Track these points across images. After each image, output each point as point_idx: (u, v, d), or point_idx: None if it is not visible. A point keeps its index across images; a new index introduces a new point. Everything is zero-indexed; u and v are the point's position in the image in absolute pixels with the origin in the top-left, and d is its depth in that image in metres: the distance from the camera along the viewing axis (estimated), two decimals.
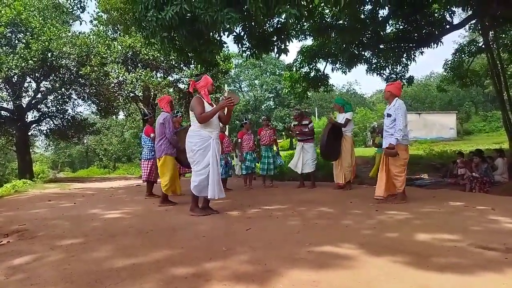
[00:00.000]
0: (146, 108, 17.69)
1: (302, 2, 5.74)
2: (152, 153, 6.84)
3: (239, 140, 8.36)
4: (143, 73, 15.96)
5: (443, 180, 10.37)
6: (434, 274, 2.30)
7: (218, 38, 7.86)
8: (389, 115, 5.22)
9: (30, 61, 16.06)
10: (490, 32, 12.33)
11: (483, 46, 12.87)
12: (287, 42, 7.91)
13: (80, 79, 18.46)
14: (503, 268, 2.36)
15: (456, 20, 11.90)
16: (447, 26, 11.10)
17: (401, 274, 2.33)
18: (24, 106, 20.13)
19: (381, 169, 5.36)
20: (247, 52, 8.42)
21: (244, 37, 8.12)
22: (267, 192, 7.38)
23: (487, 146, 17.56)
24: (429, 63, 62.16)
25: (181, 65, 17.94)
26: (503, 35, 13.13)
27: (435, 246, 2.92)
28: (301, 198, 6.12)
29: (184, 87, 18.78)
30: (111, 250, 3.14)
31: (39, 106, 21.20)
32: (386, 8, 10.11)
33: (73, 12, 19.25)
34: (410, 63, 12.22)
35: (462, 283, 2.18)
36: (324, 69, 13.10)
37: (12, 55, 16.17)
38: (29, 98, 20.47)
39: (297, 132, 7.86)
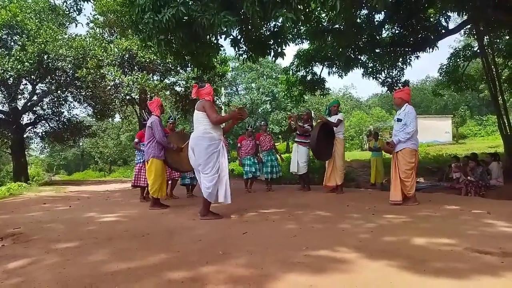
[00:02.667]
0: (144, 111, 17.67)
1: (299, 6, 5.77)
2: (139, 157, 7.16)
3: (238, 144, 8.36)
4: (140, 75, 15.93)
5: (439, 184, 10.43)
6: (430, 278, 2.31)
7: (215, 41, 7.88)
8: (399, 120, 5.42)
9: (26, 63, 15.99)
10: (485, 37, 12.44)
11: (478, 50, 12.97)
12: (283, 45, 7.94)
13: (76, 82, 18.38)
14: (499, 272, 2.36)
15: (451, 25, 12.04)
16: (443, 31, 11.19)
17: (398, 278, 2.33)
18: (20, 109, 20.02)
19: (394, 173, 5.47)
20: (243, 56, 8.44)
21: (241, 41, 8.13)
22: (264, 196, 7.38)
23: (482, 150, 17.66)
24: (424, 67, 62.49)
25: (178, 68, 17.92)
26: (498, 40, 13.24)
27: (432, 250, 2.92)
28: (297, 202, 6.11)
29: (181, 89, 18.76)
30: (106, 254, 3.12)
31: (34, 109, 21.09)
32: (382, 12, 10.19)
33: (70, 15, 19.21)
34: (406, 67, 12.35)
35: (458, 287, 2.18)
36: (320, 72, 13.20)
37: (7, 57, 16.09)
38: (25, 100, 20.39)
39: (295, 130, 7.83)
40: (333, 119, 7.08)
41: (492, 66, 12.34)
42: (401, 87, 12.50)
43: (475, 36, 12.92)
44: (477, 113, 45.00)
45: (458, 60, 13.92)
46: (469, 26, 12.36)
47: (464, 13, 9.78)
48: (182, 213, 5.27)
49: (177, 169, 6.47)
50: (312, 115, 8.49)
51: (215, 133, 4.59)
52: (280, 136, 43.03)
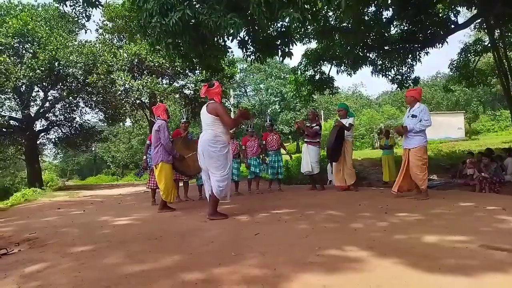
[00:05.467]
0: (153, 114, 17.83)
1: (305, 6, 5.76)
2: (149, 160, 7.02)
3: (244, 146, 8.36)
4: (149, 80, 16.08)
5: (452, 181, 10.30)
6: (445, 276, 2.28)
7: (222, 43, 7.90)
8: (414, 116, 5.66)
9: (38, 71, 16.27)
10: (496, 31, 12.26)
11: (489, 45, 12.78)
12: (290, 45, 7.94)
13: (87, 87, 18.66)
14: None
15: (461, 20, 11.86)
16: (452, 26, 11.06)
17: (412, 277, 2.31)
18: (33, 115, 20.37)
19: (403, 168, 5.78)
20: (251, 57, 8.46)
21: (248, 42, 8.15)
22: (275, 196, 7.37)
23: (496, 145, 17.37)
24: (435, 63, 61.76)
25: (186, 71, 18.05)
26: (509, 34, 13.03)
27: (446, 247, 2.89)
28: (309, 202, 6.09)
29: (190, 92, 18.87)
30: (121, 257, 3.15)
31: (47, 115, 21.44)
32: (390, 9, 10.11)
33: (79, 21, 19.49)
34: (416, 64, 12.22)
35: (474, 285, 2.15)
36: (329, 71, 13.13)
37: (20, 65, 16.39)
38: (37, 107, 20.76)
39: (304, 132, 7.85)
40: (344, 122, 7.22)
41: (504, 60, 12.15)
42: (411, 84, 12.39)
43: (486, 31, 12.74)
44: (490, 108, 44.29)
45: (469, 55, 13.76)
46: (479, 20, 12.20)
47: (474, 8, 9.67)
48: (194, 215, 5.29)
49: (184, 172, 6.50)
50: (317, 113, 8.44)
51: (225, 137, 4.71)
52: (290, 137, 42.94)
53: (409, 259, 2.61)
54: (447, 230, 3.45)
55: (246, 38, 8.08)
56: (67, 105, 21.31)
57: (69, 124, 22.14)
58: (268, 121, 8.79)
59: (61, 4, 7.89)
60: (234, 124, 4.82)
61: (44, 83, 18.94)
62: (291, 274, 2.44)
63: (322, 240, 3.34)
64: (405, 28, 11.63)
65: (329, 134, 7.29)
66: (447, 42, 10.92)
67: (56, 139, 23.18)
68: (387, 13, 11.10)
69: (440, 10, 11.30)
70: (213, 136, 4.63)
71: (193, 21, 6.23)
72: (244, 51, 8.25)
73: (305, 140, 7.97)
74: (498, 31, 12.35)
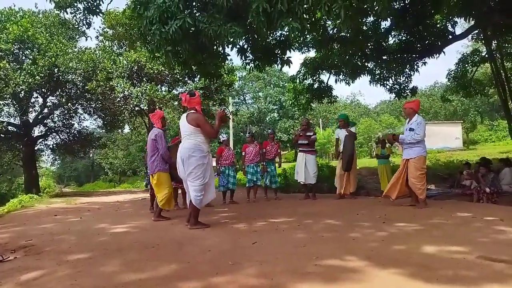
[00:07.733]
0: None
1: (305, 15, 5.81)
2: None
3: (243, 153, 8.34)
4: (148, 87, 16.12)
5: (450, 191, 10.29)
6: (443, 287, 2.27)
7: (222, 51, 7.95)
8: (411, 129, 5.79)
9: (37, 77, 16.30)
10: (493, 42, 12.37)
11: (486, 55, 12.89)
12: (288, 51, 8.04)
13: (86, 94, 18.69)
14: None
15: (458, 31, 11.99)
16: (450, 37, 11.16)
17: None
18: (31, 121, 20.35)
19: (398, 175, 5.92)
20: (250, 65, 8.50)
21: (248, 50, 8.20)
22: (273, 205, 7.35)
23: (494, 155, 17.41)
24: (433, 73, 62.14)
25: (186, 79, 18.12)
26: (506, 44, 13.15)
27: (444, 258, 2.88)
28: (307, 211, 6.08)
29: None
30: (117, 265, 3.13)
31: (45, 121, 21.43)
32: (389, 19, 10.21)
33: (79, 28, 19.57)
34: (413, 74, 12.28)
35: None
36: (327, 80, 13.21)
37: (19, 71, 16.42)
38: (36, 113, 20.73)
39: (300, 141, 7.89)
40: (346, 132, 7.52)
41: (501, 71, 12.24)
42: (409, 93, 12.46)
43: (483, 41, 12.86)
44: (488, 118, 44.51)
45: (467, 65, 13.86)
46: (476, 31, 12.31)
47: (471, 18, 9.76)
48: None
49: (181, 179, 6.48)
50: (310, 122, 8.54)
51: (205, 146, 4.73)
52: (288, 145, 42.98)
53: (407, 269, 2.61)
54: (445, 240, 3.45)
55: (245, 46, 8.12)
56: (65, 112, 21.30)
57: (68, 130, 22.13)
58: (269, 130, 8.85)
59: (62, 11, 7.93)
60: (215, 133, 4.80)
61: (43, 89, 18.96)
62: (289, 284, 2.43)
63: (320, 249, 3.33)
64: (403, 38, 11.72)
65: (346, 144, 7.39)
66: (444, 53, 11.02)
67: (54, 145, 23.15)
68: (386, 23, 11.23)
69: (438, 21, 11.41)
70: (193, 145, 4.65)
71: (192, 29, 6.28)
72: (243, 59, 8.29)
73: (300, 149, 7.98)
74: (495, 42, 12.47)
